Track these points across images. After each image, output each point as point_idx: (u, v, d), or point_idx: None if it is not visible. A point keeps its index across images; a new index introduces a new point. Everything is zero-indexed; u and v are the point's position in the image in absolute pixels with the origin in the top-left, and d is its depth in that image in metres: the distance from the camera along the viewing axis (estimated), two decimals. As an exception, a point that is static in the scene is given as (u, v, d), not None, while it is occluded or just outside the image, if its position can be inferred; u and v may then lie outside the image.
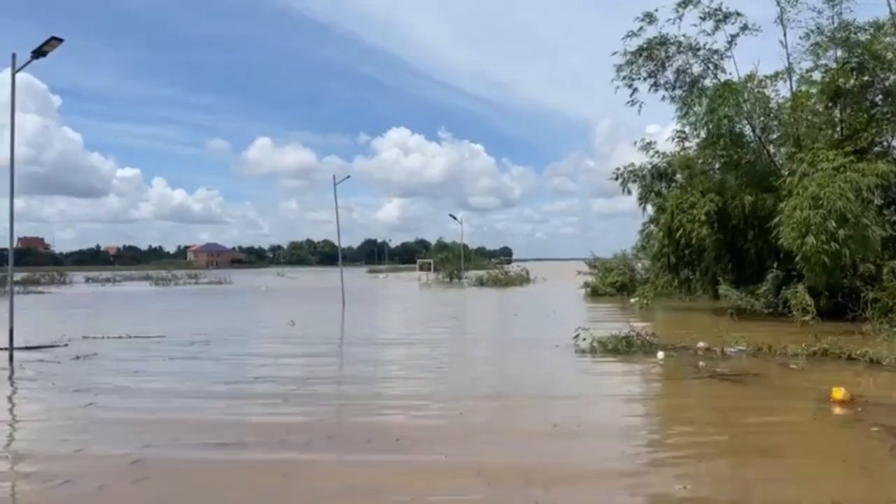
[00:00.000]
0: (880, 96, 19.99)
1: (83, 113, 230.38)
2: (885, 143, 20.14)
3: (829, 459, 6.26)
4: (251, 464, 6.15)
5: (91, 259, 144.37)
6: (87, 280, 63.80)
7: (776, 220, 17.33)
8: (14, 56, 12.66)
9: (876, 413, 7.68)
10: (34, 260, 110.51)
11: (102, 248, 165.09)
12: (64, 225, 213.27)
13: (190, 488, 5.57)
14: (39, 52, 12.54)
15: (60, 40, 12.54)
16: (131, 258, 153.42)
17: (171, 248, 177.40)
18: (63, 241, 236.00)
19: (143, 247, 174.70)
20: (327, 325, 20.75)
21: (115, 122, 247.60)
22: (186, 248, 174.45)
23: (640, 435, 7.42)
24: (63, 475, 5.75)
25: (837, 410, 7.96)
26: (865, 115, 19.83)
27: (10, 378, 10.95)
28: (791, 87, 20.98)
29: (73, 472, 5.86)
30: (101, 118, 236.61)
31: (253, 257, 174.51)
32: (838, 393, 8.27)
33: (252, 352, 14.22)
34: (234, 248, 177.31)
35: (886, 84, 19.49)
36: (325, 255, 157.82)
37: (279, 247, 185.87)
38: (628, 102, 21.98)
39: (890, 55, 18.93)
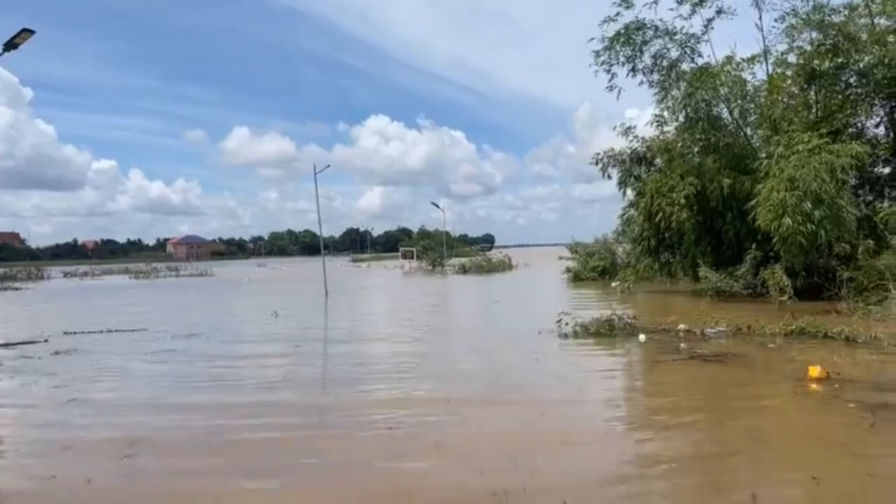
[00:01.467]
0: (854, 77, 20.25)
1: (56, 105, 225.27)
2: (859, 125, 20.43)
3: (809, 436, 6.41)
4: (242, 453, 6.16)
5: (69, 253, 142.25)
6: (66, 275, 62.76)
7: (754, 202, 17.57)
8: (-16, 48, 12.43)
9: (852, 390, 7.88)
10: (10, 255, 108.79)
11: (80, 242, 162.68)
12: (39, 219, 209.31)
13: (180, 482, 5.58)
14: (11, 45, 12.32)
15: (32, 32, 12.30)
16: (110, 252, 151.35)
17: (150, 241, 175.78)
18: (39, 235, 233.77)
19: (122, 240, 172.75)
20: (310, 315, 20.71)
21: (89, 114, 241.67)
22: (166, 240, 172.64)
23: (623, 418, 7.53)
24: (49, 471, 5.74)
25: (814, 388, 8.13)
26: (840, 97, 20.12)
27: (-10, 375, 10.83)
28: (767, 70, 21.20)
29: (59, 468, 5.85)
30: (75, 110, 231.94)
31: (234, 248, 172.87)
32: (815, 371, 8.46)
33: (233, 342, 14.17)
34: (214, 240, 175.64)
35: (860, 65, 19.74)
36: (306, 244, 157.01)
37: (260, 237, 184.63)
38: (607, 88, 22.18)
39: (864, 36, 19.18)
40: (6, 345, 13.47)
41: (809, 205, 15.74)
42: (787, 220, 15.92)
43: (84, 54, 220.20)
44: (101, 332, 15.83)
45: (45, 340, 14.43)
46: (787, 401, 7.79)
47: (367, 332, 15.98)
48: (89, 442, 6.75)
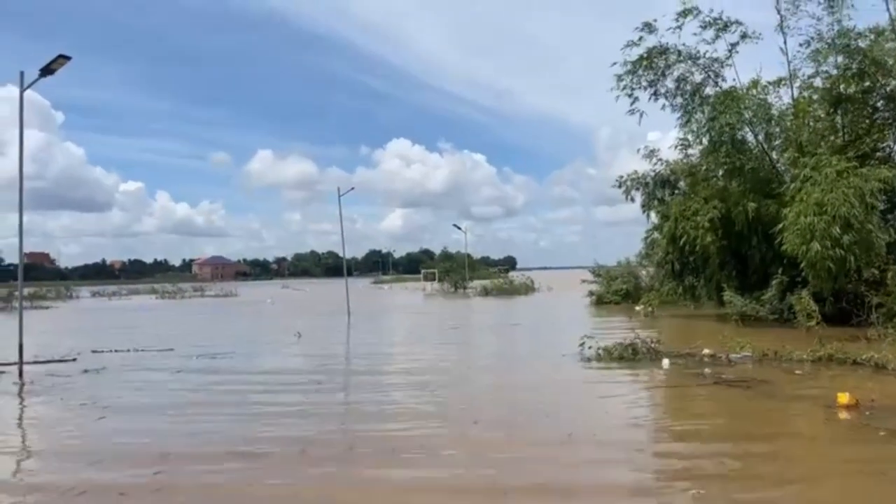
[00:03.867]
0: (881, 102, 20.06)
1: (86, 128, 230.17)
2: (887, 149, 20.19)
3: (840, 464, 6.27)
4: (267, 475, 6.21)
5: (96, 273, 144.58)
6: (94, 294, 64.07)
7: (780, 226, 17.35)
8: (22, 74, 12.83)
9: (883, 418, 7.70)
10: (40, 275, 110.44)
11: (108, 263, 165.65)
12: (69, 240, 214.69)
13: (212, 496, 5.67)
14: (47, 70, 12.68)
15: (68, 58, 12.65)
16: (137, 272, 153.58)
17: (176, 262, 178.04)
18: (68, 255, 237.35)
19: (149, 260, 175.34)
20: (333, 337, 20.83)
21: (117, 137, 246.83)
22: (191, 261, 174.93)
23: (650, 442, 7.47)
24: (80, 486, 5.83)
25: (844, 415, 7.98)
26: (867, 121, 19.92)
27: (21, 392, 11.06)
28: (793, 94, 21.07)
29: (90, 484, 5.95)
30: (104, 133, 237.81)
31: (258, 270, 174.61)
32: (843, 398, 8.29)
33: (258, 361, 14.30)
34: (238, 261, 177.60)
35: (888, 89, 19.55)
36: (329, 266, 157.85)
37: (284, 259, 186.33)
38: (629, 112, 22.05)
39: (890, 61, 19.00)
40: (36, 362, 13.73)
41: (838, 229, 15.50)
42: (816, 245, 15.68)
43: (112, 78, 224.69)
44: (129, 351, 16.08)
45: (74, 359, 14.68)
46: (816, 428, 7.67)
47: (388, 355, 16.02)
48: (120, 458, 6.85)
